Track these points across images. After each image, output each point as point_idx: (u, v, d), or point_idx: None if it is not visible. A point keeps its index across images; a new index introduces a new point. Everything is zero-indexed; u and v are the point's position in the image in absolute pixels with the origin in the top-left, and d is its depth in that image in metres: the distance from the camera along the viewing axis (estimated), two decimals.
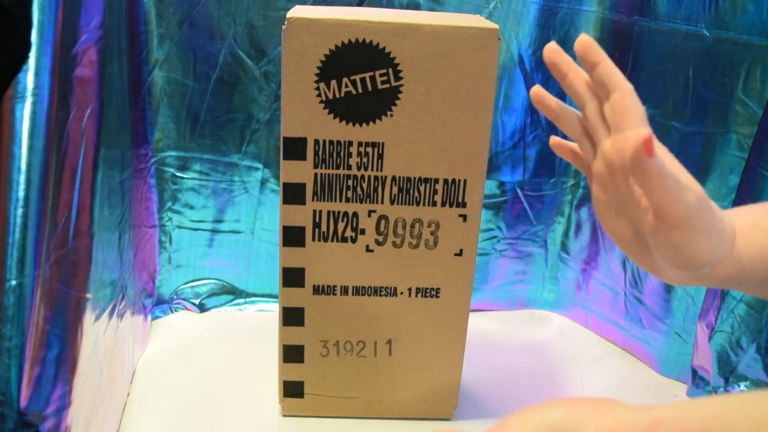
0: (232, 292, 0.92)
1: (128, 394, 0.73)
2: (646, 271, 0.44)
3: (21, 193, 0.43)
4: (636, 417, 0.34)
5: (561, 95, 0.90)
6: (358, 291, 0.66)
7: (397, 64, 0.58)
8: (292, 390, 0.70)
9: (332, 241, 0.64)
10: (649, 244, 0.43)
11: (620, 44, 0.82)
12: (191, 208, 0.87)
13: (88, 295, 0.56)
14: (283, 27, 0.56)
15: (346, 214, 0.63)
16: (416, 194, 0.63)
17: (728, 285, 0.44)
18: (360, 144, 0.60)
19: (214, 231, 0.88)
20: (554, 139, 0.51)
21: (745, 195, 0.70)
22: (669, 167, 0.38)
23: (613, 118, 0.43)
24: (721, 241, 0.42)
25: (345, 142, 0.60)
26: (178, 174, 0.85)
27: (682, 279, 0.43)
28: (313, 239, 0.64)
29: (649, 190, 0.38)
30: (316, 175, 0.61)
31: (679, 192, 0.39)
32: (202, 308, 0.91)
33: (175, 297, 0.90)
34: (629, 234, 0.45)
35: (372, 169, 0.62)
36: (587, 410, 0.37)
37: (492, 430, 0.40)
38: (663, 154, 0.42)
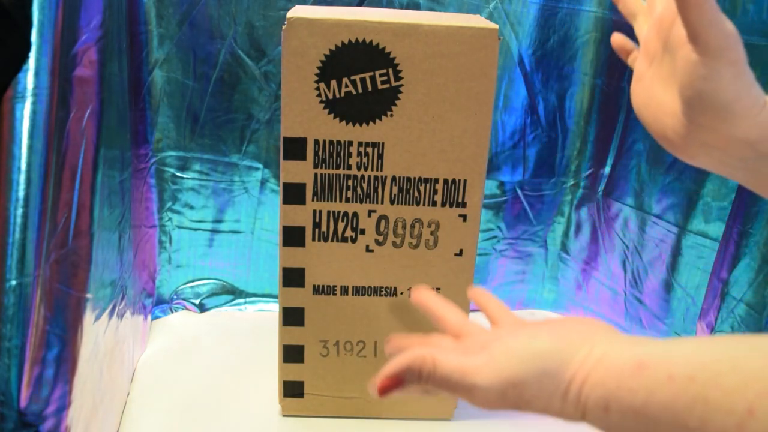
0: (232, 292, 0.92)
1: (128, 394, 0.73)
2: (680, 157, 0.42)
3: (21, 193, 0.43)
4: (623, 355, 0.34)
5: (560, 96, 0.90)
6: (358, 291, 0.66)
7: (397, 64, 0.58)
8: (292, 390, 0.70)
9: (332, 241, 0.64)
10: (684, 120, 0.40)
11: None
12: (191, 208, 0.87)
13: (88, 295, 0.56)
14: (283, 27, 0.56)
15: (346, 214, 0.63)
16: (416, 194, 0.63)
17: (744, 158, 0.41)
18: (360, 144, 0.60)
19: (214, 231, 0.88)
20: (617, 37, 0.50)
21: (745, 195, 0.70)
22: None
23: None
24: (750, 87, 0.41)
25: (345, 142, 0.60)
26: (178, 174, 0.85)
27: (707, 138, 0.40)
28: (313, 239, 0.64)
29: (688, 9, 0.37)
30: (316, 175, 0.61)
31: (716, 16, 0.38)
32: (202, 308, 0.91)
33: (175, 297, 0.90)
34: (667, 110, 0.42)
35: (372, 169, 0.62)
36: (575, 340, 0.37)
37: (476, 359, 0.39)
38: None
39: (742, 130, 0.40)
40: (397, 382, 0.43)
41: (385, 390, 0.43)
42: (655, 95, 0.43)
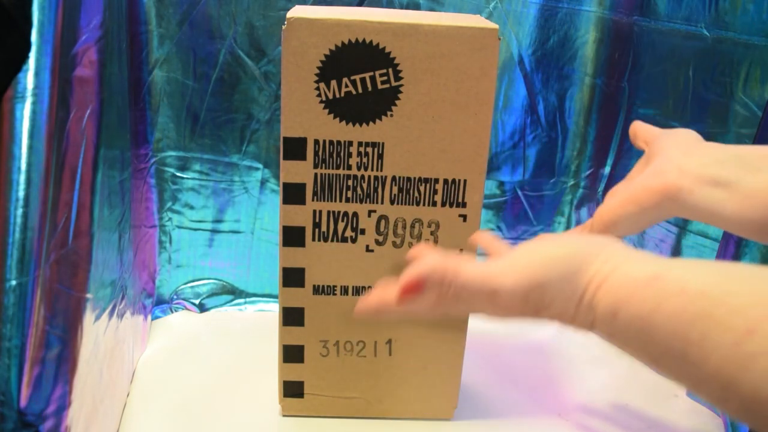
0: (232, 292, 0.92)
1: (128, 394, 0.73)
2: None
3: (21, 193, 0.43)
4: (640, 266, 0.35)
5: (560, 96, 0.90)
6: (358, 291, 0.66)
7: (397, 64, 0.58)
8: (292, 390, 0.70)
9: (332, 241, 0.64)
10: None
11: (620, 44, 0.82)
12: (191, 208, 0.87)
13: (88, 295, 0.56)
14: (283, 27, 0.56)
15: (346, 214, 0.63)
16: (416, 194, 0.63)
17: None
18: (360, 144, 0.60)
19: (214, 231, 0.88)
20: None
21: None
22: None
23: None
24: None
25: (345, 142, 0.60)
26: (178, 174, 0.85)
27: None
28: (313, 239, 0.64)
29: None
30: (316, 175, 0.61)
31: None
32: (202, 308, 0.91)
33: (175, 297, 0.90)
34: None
35: (372, 169, 0.62)
36: (594, 249, 0.38)
37: (499, 263, 0.40)
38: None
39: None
40: (418, 286, 0.43)
41: (406, 293, 0.43)
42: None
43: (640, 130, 0.53)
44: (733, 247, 0.71)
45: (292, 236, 0.63)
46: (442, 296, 0.43)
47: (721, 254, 0.73)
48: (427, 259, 0.43)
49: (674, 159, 0.47)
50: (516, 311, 0.40)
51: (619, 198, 0.49)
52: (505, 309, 0.40)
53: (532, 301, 0.39)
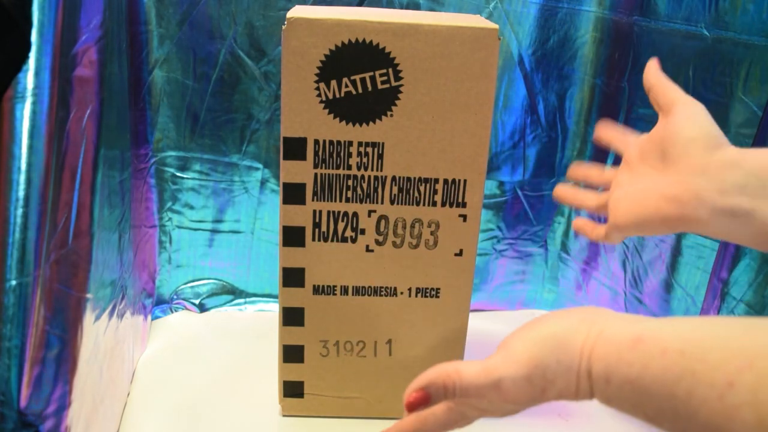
0: (232, 292, 0.92)
1: (128, 394, 0.73)
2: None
3: (21, 193, 0.43)
4: (622, 330, 0.37)
5: (560, 96, 0.90)
6: (358, 291, 0.66)
7: (397, 64, 0.58)
8: (292, 390, 0.70)
9: (332, 241, 0.64)
10: None
11: (620, 44, 0.82)
12: (191, 208, 0.87)
13: (88, 295, 0.56)
14: (283, 27, 0.56)
15: (346, 214, 0.63)
16: (416, 194, 0.63)
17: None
18: (360, 144, 0.60)
19: (214, 231, 0.88)
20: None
21: None
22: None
23: None
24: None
25: (345, 142, 0.60)
26: (178, 174, 0.85)
27: None
28: (313, 239, 0.64)
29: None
30: (316, 175, 0.61)
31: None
32: (202, 308, 0.91)
33: (175, 297, 0.90)
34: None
35: (372, 169, 0.62)
36: (578, 319, 0.40)
37: (496, 357, 0.42)
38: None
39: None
40: (423, 398, 0.44)
41: (412, 405, 0.44)
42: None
43: (656, 89, 0.52)
44: (733, 247, 0.71)
45: (292, 236, 0.63)
46: (452, 402, 0.46)
47: (721, 254, 0.73)
48: (426, 372, 0.45)
49: (692, 183, 0.46)
50: (525, 397, 0.41)
51: (634, 216, 0.50)
52: (514, 398, 0.41)
53: (537, 382, 0.40)
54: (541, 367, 0.40)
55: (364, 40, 0.57)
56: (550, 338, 0.40)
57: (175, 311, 0.90)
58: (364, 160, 0.61)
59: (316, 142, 0.60)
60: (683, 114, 0.49)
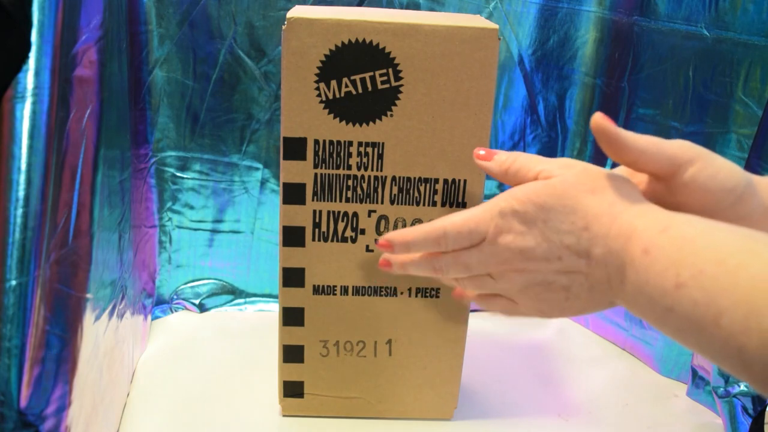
0: (232, 292, 0.92)
1: (128, 394, 0.73)
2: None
3: (21, 193, 0.43)
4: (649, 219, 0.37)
5: (560, 96, 0.90)
6: (358, 291, 0.66)
7: (397, 64, 0.58)
8: (292, 390, 0.70)
9: (332, 241, 0.64)
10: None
11: (620, 44, 0.82)
12: (191, 208, 0.87)
13: (88, 295, 0.56)
14: (283, 27, 0.56)
15: (346, 214, 0.63)
16: (416, 194, 0.63)
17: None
18: (360, 144, 0.60)
19: (214, 231, 0.88)
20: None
21: None
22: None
23: None
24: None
25: (345, 142, 0.60)
26: (178, 174, 0.85)
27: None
28: (313, 239, 0.64)
29: (637, 162, 0.42)
30: (316, 175, 0.61)
31: (660, 147, 0.43)
32: (202, 308, 0.91)
33: (175, 297, 0.90)
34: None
35: (372, 169, 0.62)
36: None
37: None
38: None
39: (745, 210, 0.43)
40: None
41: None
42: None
43: (649, 151, 0.44)
44: None
45: (292, 236, 0.63)
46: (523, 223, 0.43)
47: None
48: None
49: None
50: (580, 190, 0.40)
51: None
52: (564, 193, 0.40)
53: (587, 182, 0.40)
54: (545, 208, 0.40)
55: (364, 40, 0.57)
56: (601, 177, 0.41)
57: (175, 311, 0.90)
58: (364, 160, 0.61)
59: (316, 142, 0.60)
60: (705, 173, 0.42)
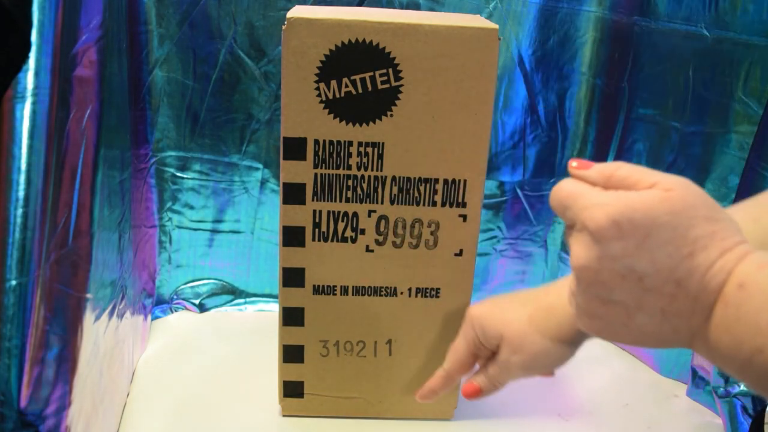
0: (232, 292, 0.92)
1: (128, 394, 0.73)
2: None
3: (21, 193, 0.43)
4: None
5: (560, 96, 0.90)
6: (358, 291, 0.66)
7: (397, 64, 0.58)
8: (292, 390, 0.70)
9: (332, 241, 0.64)
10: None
11: (620, 44, 0.82)
12: (191, 208, 0.87)
13: (88, 295, 0.56)
14: (283, 27, 0.56)
15: (346, 214, 0.63)
16: (416, 194, 0.63)
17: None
18: (360, 144, 0.60)
19: (214, 231, 0.88)
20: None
21: (745, 195, 0.70)
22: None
23: None
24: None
25: (345, 142, 0.60)
26: (178, 174, 0.85)
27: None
28: (313, 239, 0.64)
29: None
30: (316, 175, 0.61)
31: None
32: (202, 308, 0.91)
33: (175, 297, 0.90)
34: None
35: (372, 169, 0.62)
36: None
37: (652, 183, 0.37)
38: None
39: None
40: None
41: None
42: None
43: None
44: None
45: (292, 236, 0.63)
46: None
47: None
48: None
49: None
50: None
51: None
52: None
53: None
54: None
55: (364, 40, 0.57)
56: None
57: (175, 311, 0.90)
58: (364, 160, 0.61)
59: (316, 142, 0.60)
60: None
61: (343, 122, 0.60)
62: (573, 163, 0.43)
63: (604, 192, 0.38)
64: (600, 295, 0.37)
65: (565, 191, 0.39)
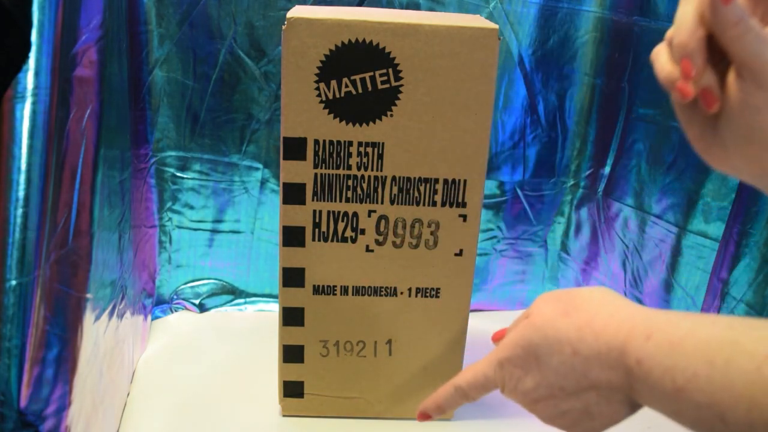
0: (232, 292, 0.92)
1: (128, 394, 0.73)
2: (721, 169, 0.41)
3: (21, 193, 0.43)
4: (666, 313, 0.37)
5: (560, 96, 0.90)
6: (358, 291, 0.66)
7: (397, 64, 0.58)
8: (292, 390, 0.70)
9: (332, 241, 0.64)
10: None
11: (620, 44, 0.82)
12: (191, 208, 0.87)
13: (88, 295, 0.56)
14: (283, 27, 0.56)
15: (346, 214, 0.63)
16: (416, 194, 0.63)
17: None
18: (360, 144, 0.61)
19: (214, 231, 0.88)
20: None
21: (745, 195, 0.70)
22: (755, 24, 0.36)
23: None
24: None
25: (345, 142, 0.60)
26: (178, 174, 0.85)
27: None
28: (313, 239, 0.64)
29: (729, 42, 0.35)
30: (316, 175, 0.61)
31: (760, 45, 0.36)
32: (202, 308, 0.91)
33: (175, 297, 0.90)
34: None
35: (372, 169, 0.62)
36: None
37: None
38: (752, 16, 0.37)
39: None
40: (429, 417, 0.52)
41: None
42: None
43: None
44: (733, 246, 0.71)
45: (292, 236, 0.63)
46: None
47: (721, 254, 0.73)
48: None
49: None
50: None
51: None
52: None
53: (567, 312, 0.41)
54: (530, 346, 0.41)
55: (364, 40, 0.57)
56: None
57: (175, 311, 0.90)
58: (364, 160, 0.61)
59: (316, 142, 0.60)
60: None
61: (343, 122, 0.60)
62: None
63: (488, 355, 0.46)
64: (553, 413, 0.43)
65: (469, 385, 0.48)
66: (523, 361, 0.42)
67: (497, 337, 0.49)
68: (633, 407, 0.41)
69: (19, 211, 0.43)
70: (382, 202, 0.63)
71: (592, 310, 0.40)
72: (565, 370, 0.40)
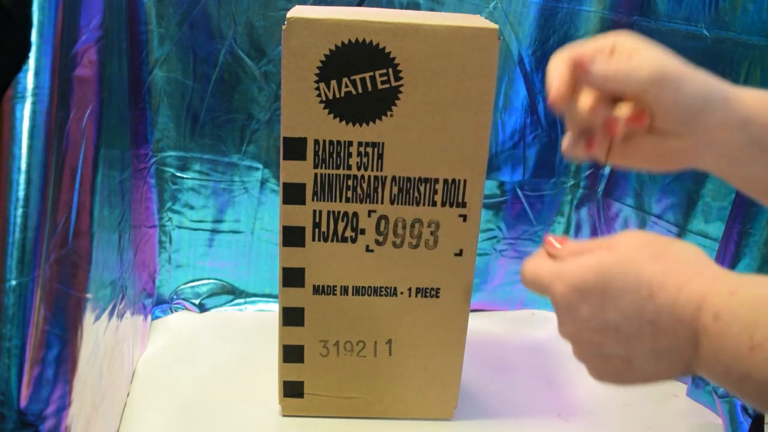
0: (232, 292, 0.92)
1: (128, 394, 0.73)
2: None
3: (21, 193, 0.43)
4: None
5: None
6: (358, 291, 0.66)
7: (397, 64, 0.58)
8: (292, 390, 0.70)
9: (332, 241, 0.64)
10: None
11: None
12: (191, 208, 0.87)
13: (88, 295, 0.56)
14: (283, 27, 0.56)
15: (346, 214, 0.63)
16: (416, 194, 0.63)
17: (740, 144, 0.43)
18: (360, 144, 0.60)
19: (214, 231, 0.88)
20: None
21: (744, 195, 0.70)
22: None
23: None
24: (697, 91, 0.44)
25: (345, 142, 0.60)
26: (178, 174, 0.85)
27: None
28: (313, 239, 0.64)
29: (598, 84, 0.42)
30: (316, 175, 0.61)
31: (622, 73, 0.43)
32: (202, 308, 0.91)
33: (175, 297, 0.90)
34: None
35: (372, 169, 0.62)
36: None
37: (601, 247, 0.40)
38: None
39: (717, 120, 0.43)
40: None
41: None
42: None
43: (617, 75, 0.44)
44: (733, 246, 0.71)
45: (292, 236, 0.63)
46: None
47: (721, 254, 0.73)
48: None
49: None
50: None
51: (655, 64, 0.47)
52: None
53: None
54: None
55: (364, 40, 0.57)
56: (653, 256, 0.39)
57: (175, 311, 0.90)
58: (364, 160, 0.61)
59: (316, 142, 0.60)
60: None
61: (343, 122, 0.60)
62: (549, 239, 0.46)
63: (558, 264, 0.42)
64: (593, 352, 0.41)
65: (527, 276, 0.43)
66: (588, 288, 0.39)
67: (555, 243, 0.44)
68: (682, 371, 0.38)
69: (19, 211, 0.43)
70: (382, 202, 0.63)
71: (683, 262, 0.38)
72: (631, 311, 0.38)
